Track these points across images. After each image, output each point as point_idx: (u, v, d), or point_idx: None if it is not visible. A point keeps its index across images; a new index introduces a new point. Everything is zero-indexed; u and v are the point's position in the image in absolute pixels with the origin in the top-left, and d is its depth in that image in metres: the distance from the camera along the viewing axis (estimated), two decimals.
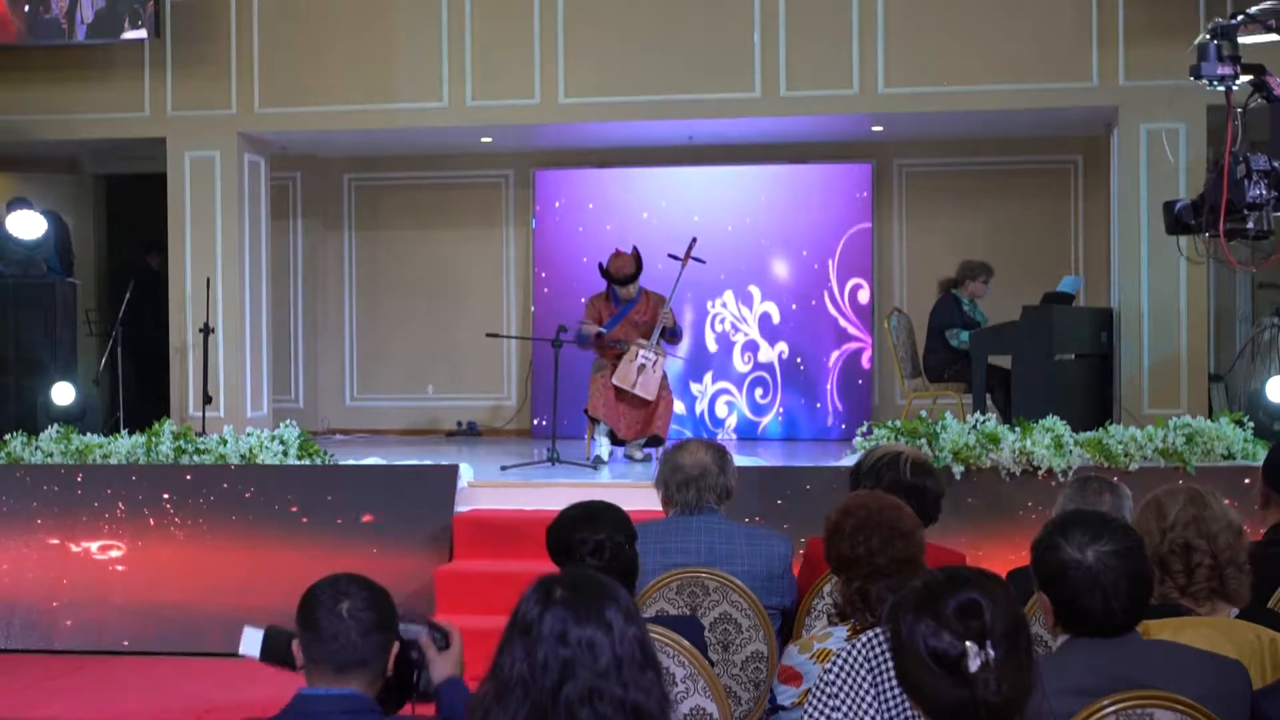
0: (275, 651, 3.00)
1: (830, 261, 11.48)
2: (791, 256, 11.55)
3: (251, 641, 3.01)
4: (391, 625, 2.89)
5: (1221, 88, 6.81)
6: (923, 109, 9.94)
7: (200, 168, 10.56)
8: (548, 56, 10.14)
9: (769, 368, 11.52)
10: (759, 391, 11.52)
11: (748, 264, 11.59)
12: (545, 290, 11.91)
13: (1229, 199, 6.66)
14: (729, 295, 11.61)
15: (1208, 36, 7.28)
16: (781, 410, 11.45)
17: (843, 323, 11.46)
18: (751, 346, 11.56)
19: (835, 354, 11.45)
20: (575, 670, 2.24)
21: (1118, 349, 9.69)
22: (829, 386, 11.42)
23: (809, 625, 4.32)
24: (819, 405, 11.42)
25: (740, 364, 11.57)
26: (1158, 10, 9.48)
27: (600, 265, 9.52)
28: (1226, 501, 3.50)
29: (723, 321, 11.64)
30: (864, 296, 11.45)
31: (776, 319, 11.54)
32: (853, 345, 11.45)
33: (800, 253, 11.55)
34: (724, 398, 11.55)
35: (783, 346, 11.52)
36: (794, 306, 11.53)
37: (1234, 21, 6.78)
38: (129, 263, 12.49)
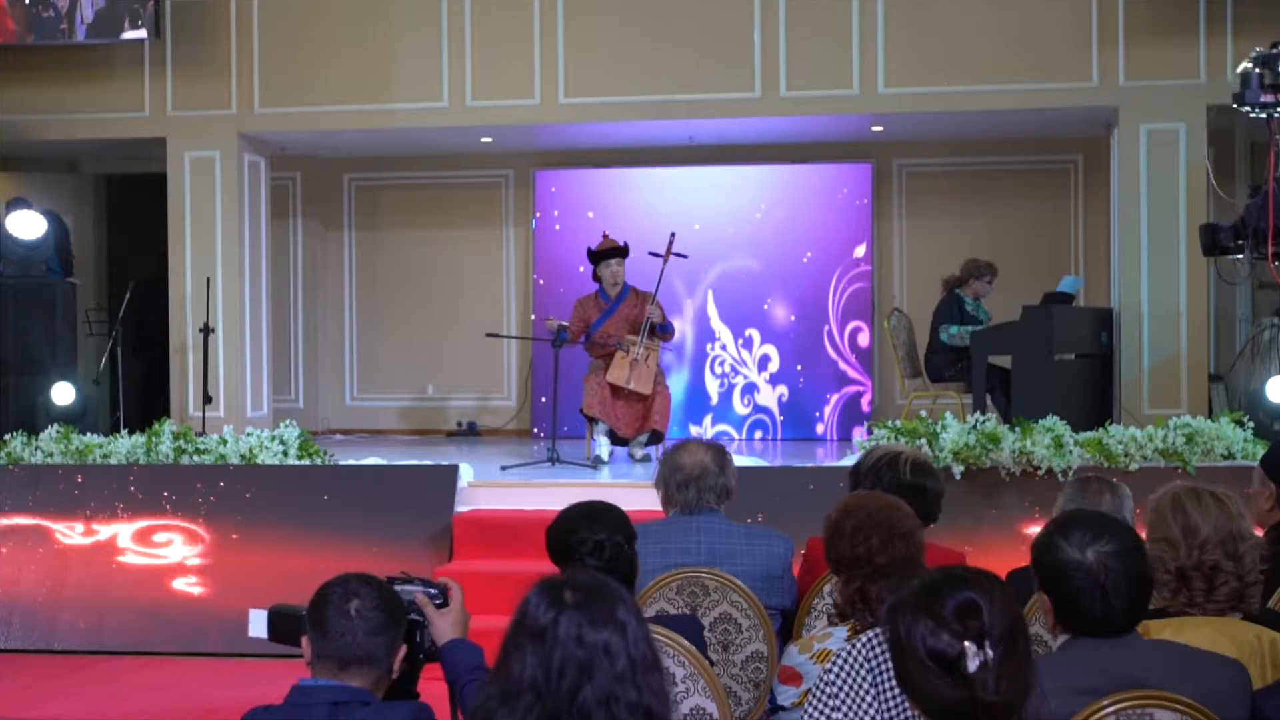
0: (281, 629, 3.01)
1: (830, 298, 11.46)
2: (793, 263, 11.53)
3: (258, 624, 3.03)
4: (400, 629, 2.91)
5: (1264, 115, 6.92)
6: (923, 109, 9.94)
7: (200, 168, 10.57)
8: (548, 56, 10.15)
9: (768, 411, 11.52)
10: (759, 434, 11.52)
11: (750, 275, 11.57)
12: (544, 290, 11.91)
13: (1275, 223, 6.84)
14: (728, 337, 11.61)
15: (1251, 65, 7.45)
16: (780, 452, 11.42)
17: (842, 365, 11.46)
18: (750, 389, 11.55)
19: (835, 397, 11.45)
20: (593, 673, 2.24)
21: (1118, 349, 9.69)
22: (828, 429, 11.40)
23: (809, 625, 4.32)
24: (818, 447, 11.38)
25: (740, 407, 11.57)
26: (1158, 10, 9.48)
27: (589, 250, 9.57)
28: None
29: (722, 364, 11.64)
30: (864, 340, 11.45)
31: (776, 362, 11.53)
32: (852, 388, 11.43)
33: (801, 258, 11.53)
34: (723, 440, 11.54)
35: (782, 389, 11.51)
36: (794, 348, 11.53)
37: (1275, 52, 6.91)
38: (129, 263, 12.49)
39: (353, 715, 2.79)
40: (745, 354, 11.57)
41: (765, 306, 11.59)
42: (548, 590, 2.31)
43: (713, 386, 11.61)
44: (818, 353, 11.50)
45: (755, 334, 11.60)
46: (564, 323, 9.36)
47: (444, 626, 3.07)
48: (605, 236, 9.67)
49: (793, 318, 11.54)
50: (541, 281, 11.95)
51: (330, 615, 2.85)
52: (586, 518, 3.78)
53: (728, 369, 11.62)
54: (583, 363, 9.89)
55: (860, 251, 11.50)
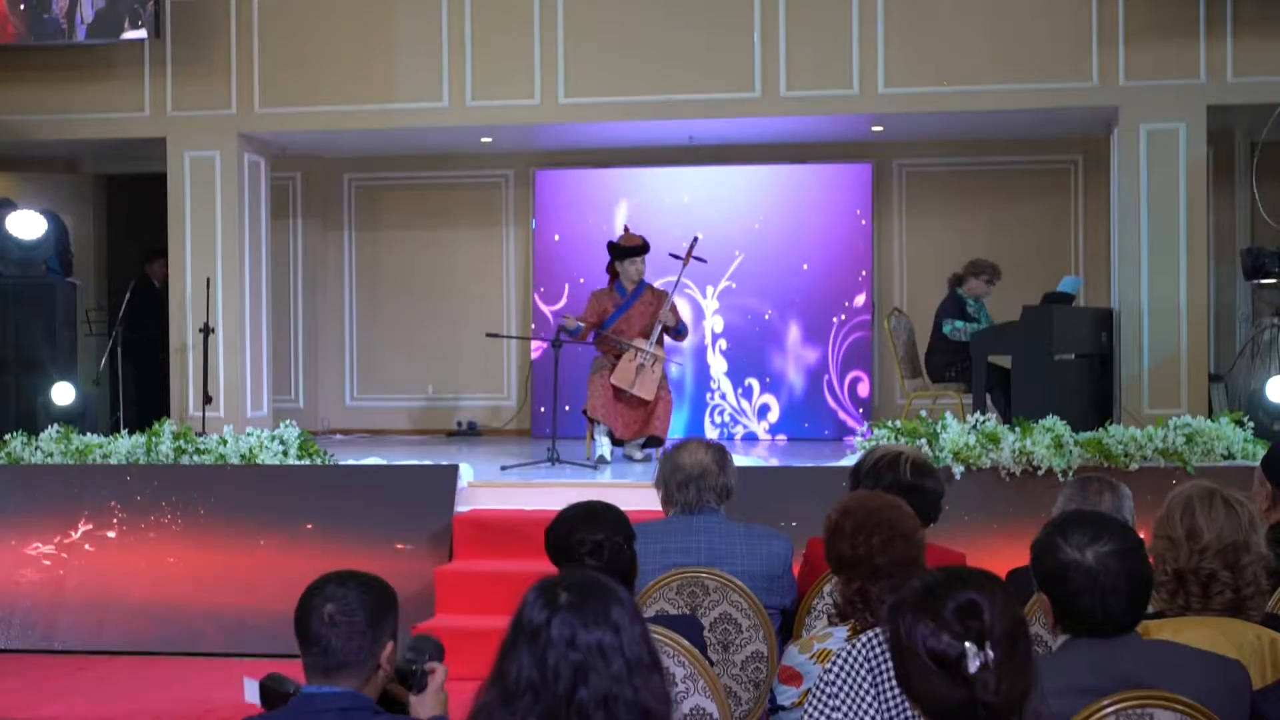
0: (275, 701, 3.00)
1: (829, 348, 11.42)
2: (794, 289, 11.50)
3: (251, 692, 3.02)
4: (382, 623, 2.89)
5: None
6: (923, 109, 9.94)
7: (200, 168, 10.56)
8: (548, 56, 10.14)
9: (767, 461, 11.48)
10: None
11: (753, 317, 11.54)
12: (545, 290, 11.91)
13: None
14: (728, 387, 11.57)
15: None
16: (782, 454, 11.41)
17: (841, 415, 11.43)
18: (750, 439, 11.49)
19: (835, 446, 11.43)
20: (588, 675, 2.24)
21: (1118, 349, 9.69)
22: None
23: (809, 625, 4.32)
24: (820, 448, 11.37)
25: (739, 456, 11.47)
26: (1158, 10, 9.48)
27: (610, 243, 9.53)
28: None
29: (722, 413, 11.61)
30: (863, 390, 11.40)
31: (775, 411, 11.48)
32: (853, 439, 11.38)
33: (801, 267, 11.50)
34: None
35: (782, 438, 11.48)
36: (793, 398, 11.46)
37: None
38: (129, 263, 12.49)
39: None
40: (745, 403, 11.54)
41: (764, 349, 11.52)
42: (543, 591, 2.31)
43: (711, 435, 11.58)
44: (817, 403, 11.45)
45: (755, 383, 11.55)
46: (580, 321, 9.32)
47: (422, 709, 3.02)
48: (628, 231, 9.65)
49: (792, 368, 11.48)
50: (543, 289, 11.94)
51: (310, 623, 2.85)
52: (586, 518, 3.77)
53: (727, 418, 11.59)
54: (582, 365, 9.88)
55: (860, 300, 11.46)
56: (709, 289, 11.62)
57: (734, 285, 11.63)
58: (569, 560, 3.69)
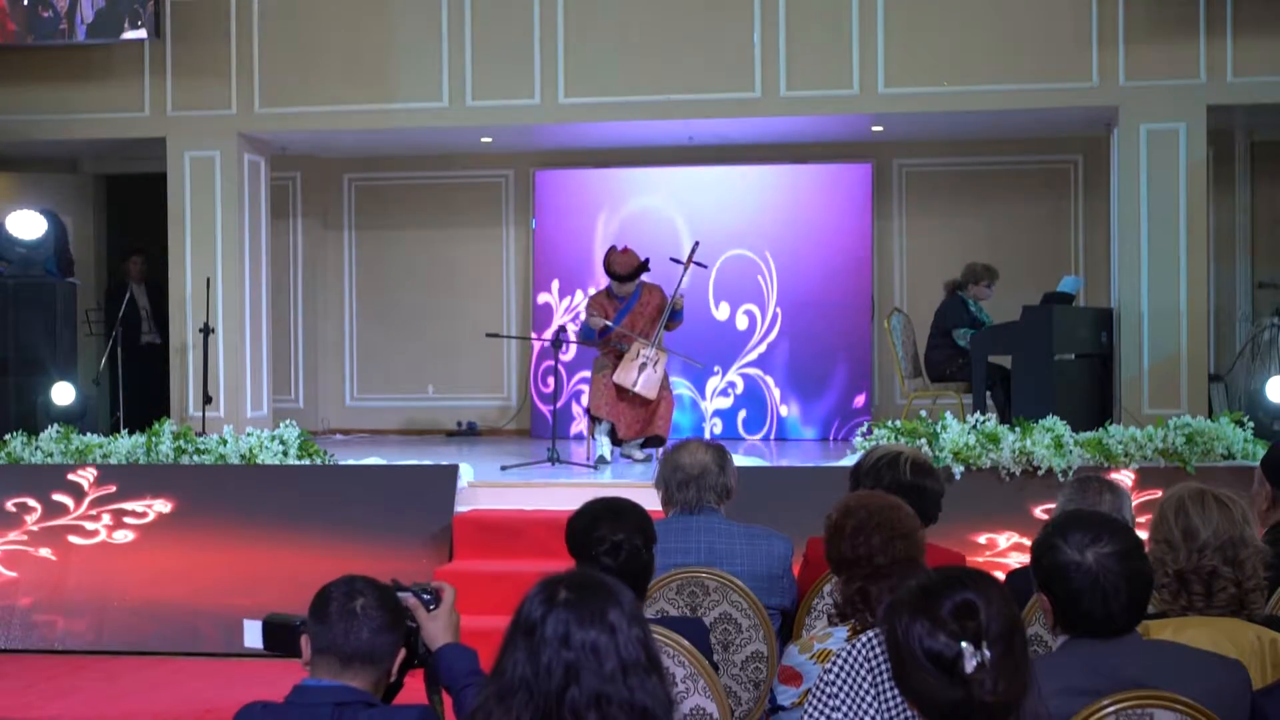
0: (277, 638, 3.00)
1: (830, 449, 11.39)
2: (794, 285, 11.45)
3: (253, 634, 3.02)
4: (400, 632, 2.90)
5: None
6: (923, 109, 9.94)
7: (200, 168, 10.56)
8: (548, 56, 10.14)
9: None
10: None
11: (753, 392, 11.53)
12: (545, 290, 11.91)
13: None
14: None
15: None
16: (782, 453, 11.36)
17: None
18: None
19: None
20: (580, 674, 2.24)
21: (1118, 349, 9.69)
22: None
23: (809, 625, 4.32)
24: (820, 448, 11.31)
25: (740, 457, 11.33)
26: (1158, 10, 9.48)
27: (606, 264, 9.43)
28: None
29: None
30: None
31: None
32: (853, 439, 11.27)
33: (802, 277, 11.45)
34: None
35: None
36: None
37: None
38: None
39: (357, 716, 2.78)
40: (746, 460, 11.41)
41: (764, 439, 11.44)
42: (544, 587, 2.32)
43: None
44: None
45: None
46: (608, 323, 9.23)
47: (435, 630, 3.05)
48: (628, 250, 9.38)
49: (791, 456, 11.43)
50: (544, 274, 11.94)
51: (334, 611, 2.85)
52: (609, 516, 3.70)
53: None
54: (584, 362, 9.86)
55: (860, 400, 11.35)
56: (709, 387, 11.56)
57: (733, 382, 11.50)
58: (585, 556, 3.64)
